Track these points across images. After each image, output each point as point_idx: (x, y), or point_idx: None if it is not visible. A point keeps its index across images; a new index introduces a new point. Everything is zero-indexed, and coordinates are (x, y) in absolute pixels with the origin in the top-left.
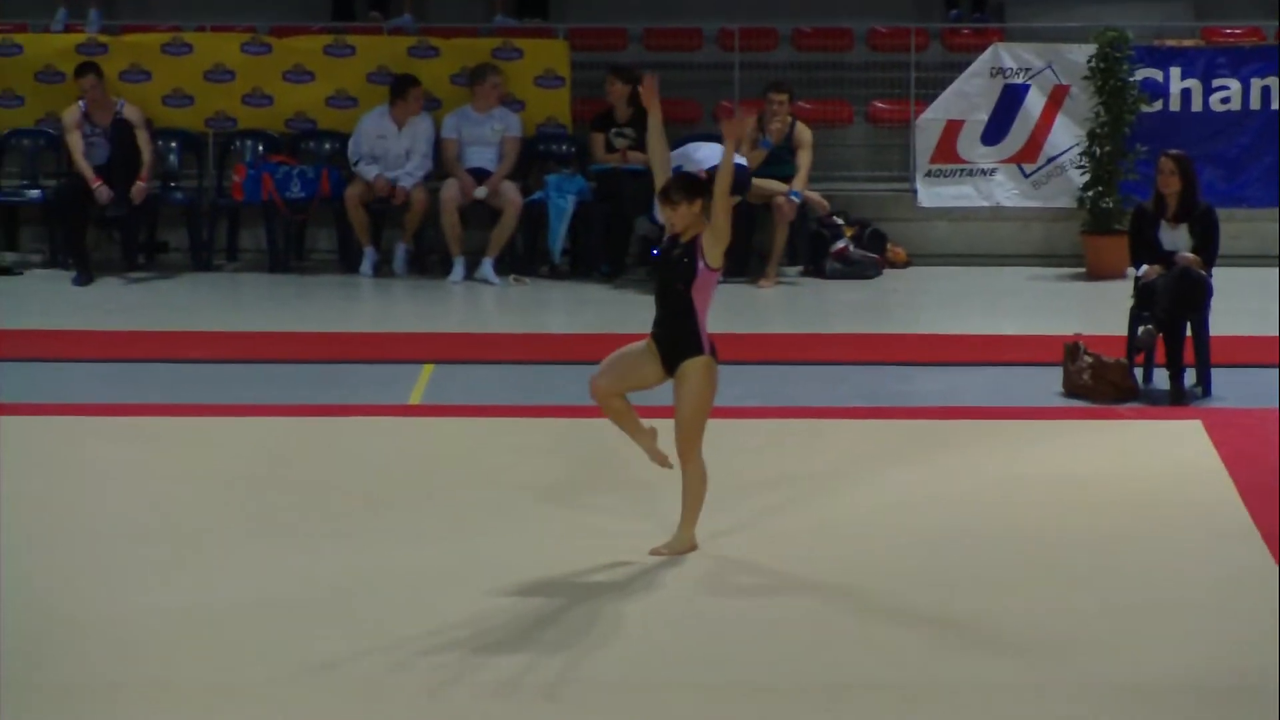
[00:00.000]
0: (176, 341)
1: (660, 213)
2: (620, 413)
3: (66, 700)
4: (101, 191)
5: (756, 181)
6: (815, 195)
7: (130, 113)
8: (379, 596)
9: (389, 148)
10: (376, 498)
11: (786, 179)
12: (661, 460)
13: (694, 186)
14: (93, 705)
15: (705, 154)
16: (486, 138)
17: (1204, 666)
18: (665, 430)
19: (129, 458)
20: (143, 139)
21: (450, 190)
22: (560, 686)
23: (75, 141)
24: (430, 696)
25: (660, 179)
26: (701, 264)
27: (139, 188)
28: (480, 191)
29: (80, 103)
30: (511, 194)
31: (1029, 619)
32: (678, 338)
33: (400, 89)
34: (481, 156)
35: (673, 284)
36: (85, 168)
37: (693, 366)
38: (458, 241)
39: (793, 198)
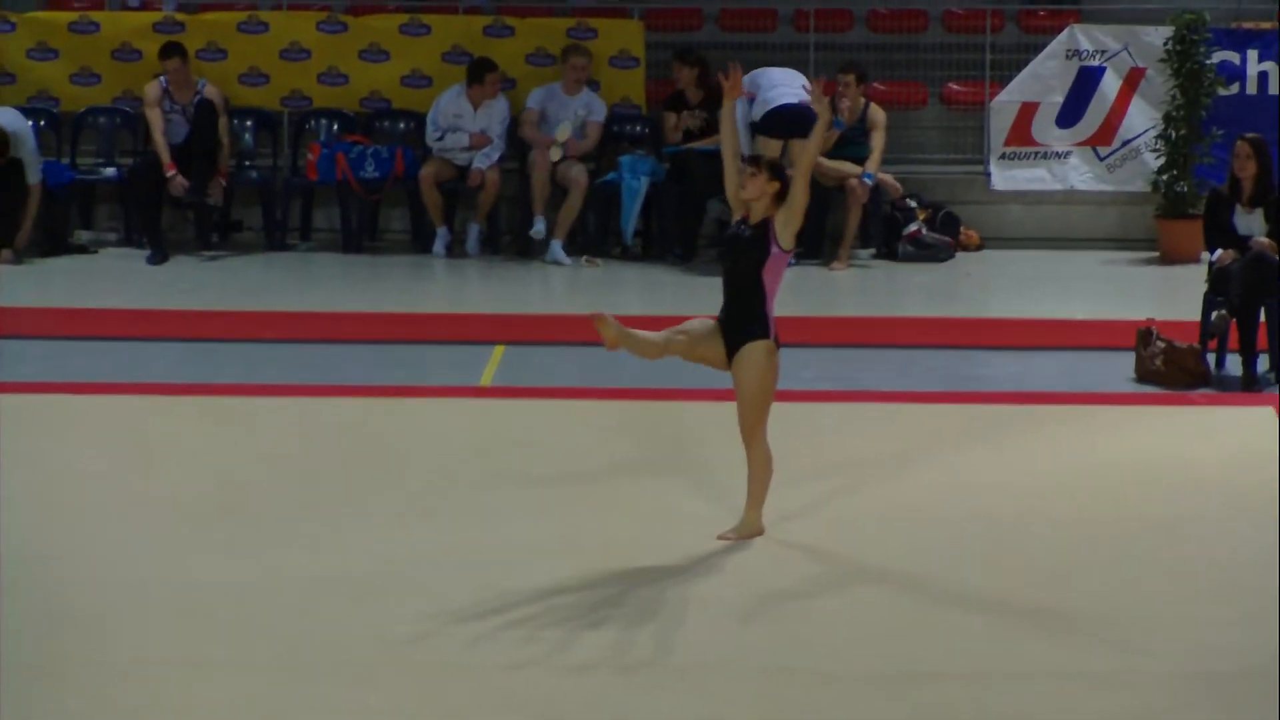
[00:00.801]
0: (249, 321)
1: (730, 188)
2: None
3: (130, 673)
4: (176, 184)
5: (830, 163)
6: (888, 178)
7: (212, 93)
8: (448, 575)
9: (464, 128)
10: (447, 478)
11: (860, 161)
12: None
13: (781, 172)
14: (156, 678)
15: (776, 92)
16: (569, 119)
17: (1273, 653)
18: (726, 418)
19: (201, 437)
20: (222, 125)
21: (540, 154)
22: (624, 667)
23: (155, 118)
24: (496, 675)
25: (730, 166)
26: (774, 246)
27: (218, 184)
28: (555, 152)
29: (161, 79)
30: (578, 174)
31: (1100, 605)
32: (744, 321)
33: (477, 73)
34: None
35: (743, 265)
36: (163, 146)
37: (753, 350)
38: (543, 200)
39: (865, 180)
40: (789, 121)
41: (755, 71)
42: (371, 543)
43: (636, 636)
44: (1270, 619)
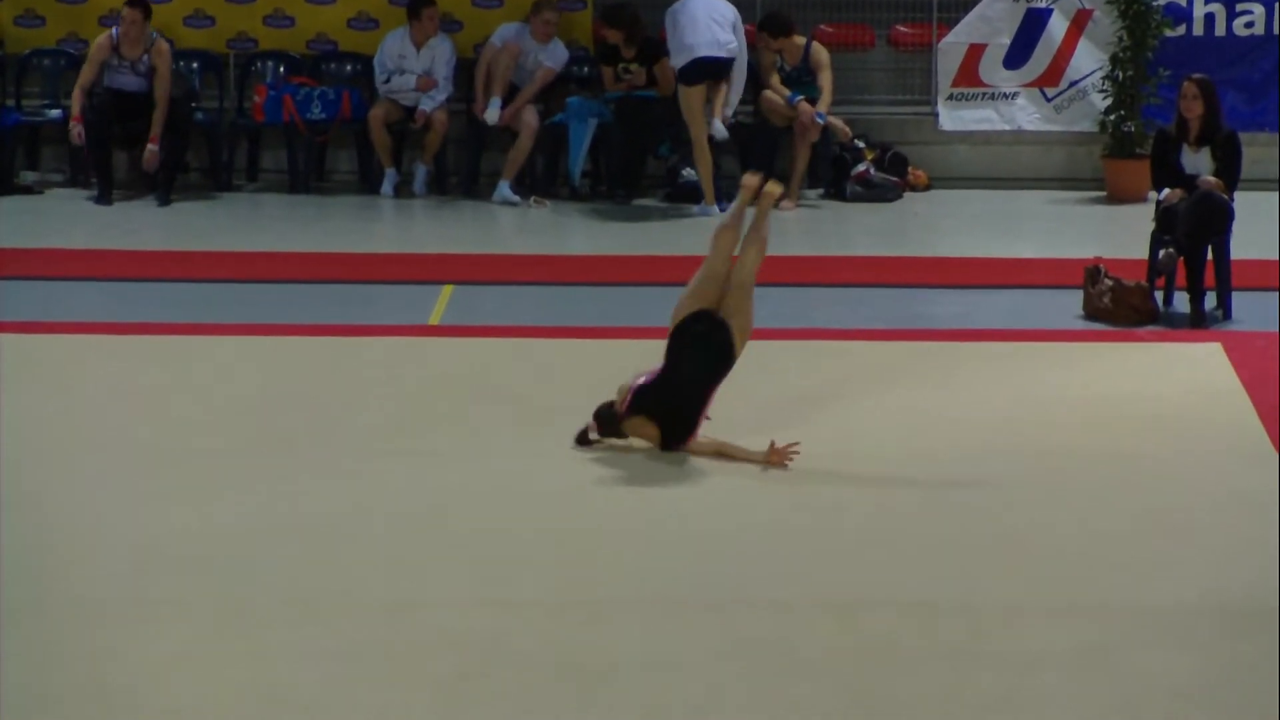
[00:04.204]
0: (196, 261)
1: None
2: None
3: (76, 615)
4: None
5: (777, 101)
6: (838, 121)
7: (160, 54)
8: (398, 517)
9: (410, 69)
10: (396, 418)
11: (810, 102)
12: None
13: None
14: (103, 621)
15: (698, 39)
16: (529, 66)
17: (1225, 588)
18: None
19: (148, 378)
20: (162, 84)
21: (502, 53)
22: (571, 604)
23: (87, 74)
24: (444, 613)
25: None
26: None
27: (151, 152)
28: (491, 115)
29: (113, 30)
30: (529, 116)
31: (1049, 540)
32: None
33: (414, 9)
34: (519, 78)
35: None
36: (76, 100)
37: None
38: (497, 87)
39: (818, 119)
40: (709, 71)
41: (678, 5)
42: (317, 484)
43: (584, 573)
44: (1219, 554)
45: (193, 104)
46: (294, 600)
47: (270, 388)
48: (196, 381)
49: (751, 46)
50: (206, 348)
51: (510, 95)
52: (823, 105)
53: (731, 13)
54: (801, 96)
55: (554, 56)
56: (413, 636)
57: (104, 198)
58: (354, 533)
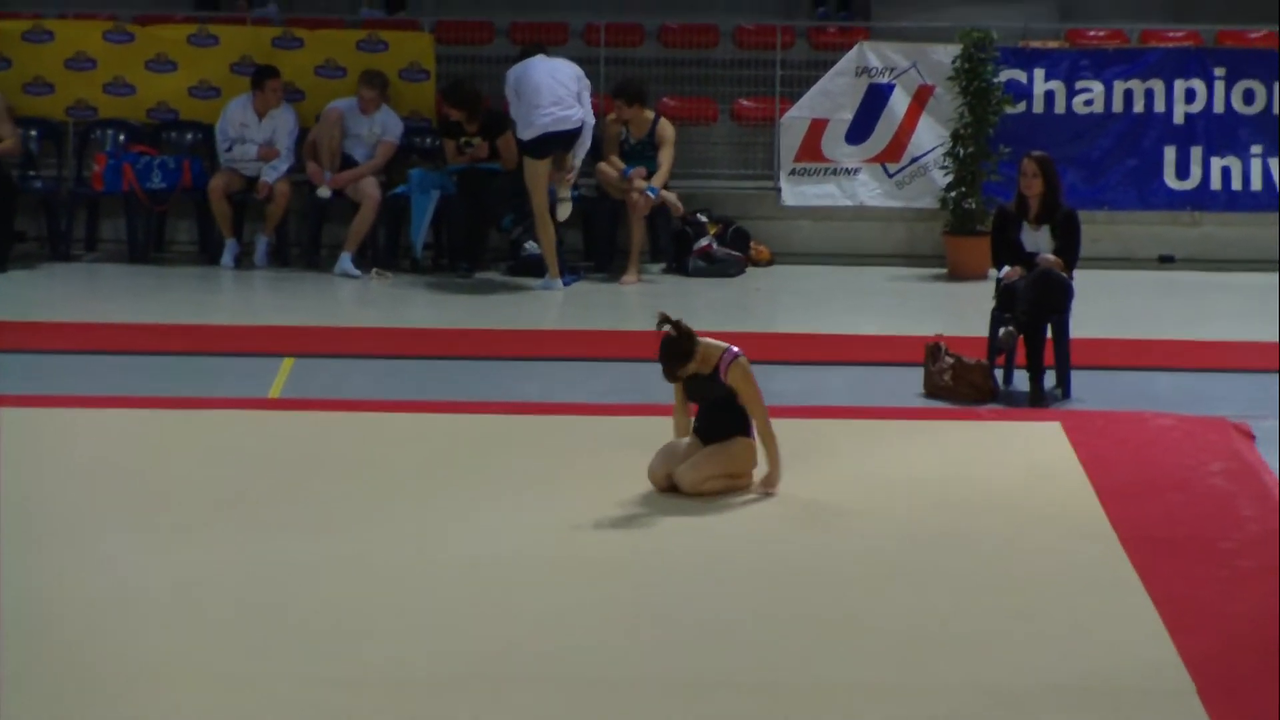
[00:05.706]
0: (30, 332)
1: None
2: None
3: None
4: None
5: (611, 174)
6: (671, 196)
7: None
8: (237, 590)
9: (251, 139)
10: (233, 491)
11: (650, 175)
12: None
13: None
14: None
15: (544, 115)
16: (364, 137)
17: (1062, 668)
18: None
19: None
20: (6, 129)
21: (322, 123)
22: (399, 681)
23: None
24: (283, 690)
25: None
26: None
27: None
28: (323, 192)
29: None
30: (370, 188)
31: (886, 619)
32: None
33: (258, 80)
34: (355, 151)
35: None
36: None
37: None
38: (325, 159)
39: (649, 193)
40: (557, 144)
41: (519, 70)
42: (153, 558)
43: (425, 649)
44: (1056, 633)
45: (15, 170)
46: (131, 674)
47: (108, 460)
48: (32, 453)
49: (599, 116)
50: (41, 419)
51: (345, 165)
52: (658, 180)
53: (574, 76)
54: (636, 169)
55: (391, 130)
56: (250, 712)
57: None
58: (192, 606)
